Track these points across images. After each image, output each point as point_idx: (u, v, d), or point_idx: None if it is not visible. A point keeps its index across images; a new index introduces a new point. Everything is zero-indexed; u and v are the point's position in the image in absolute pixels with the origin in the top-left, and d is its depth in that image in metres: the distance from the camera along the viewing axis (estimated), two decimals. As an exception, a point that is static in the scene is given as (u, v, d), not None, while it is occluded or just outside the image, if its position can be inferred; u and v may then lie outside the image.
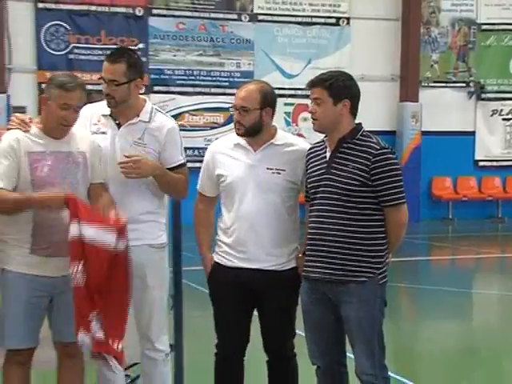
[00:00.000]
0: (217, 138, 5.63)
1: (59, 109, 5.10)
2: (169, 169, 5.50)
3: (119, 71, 5.36)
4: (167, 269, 5.68)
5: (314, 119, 5.11)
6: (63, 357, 5.43)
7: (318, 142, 5.28)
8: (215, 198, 5.59)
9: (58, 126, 5.16)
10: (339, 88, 5.06)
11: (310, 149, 5.31)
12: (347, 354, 5.29)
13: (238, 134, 5.39)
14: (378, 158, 4.96)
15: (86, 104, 5.34)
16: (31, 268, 5.16)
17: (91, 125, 5.52)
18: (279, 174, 5.34)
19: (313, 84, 5.11)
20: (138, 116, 5.49)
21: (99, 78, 5.47)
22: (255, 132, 5.35)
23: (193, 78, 20.64)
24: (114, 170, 5.38)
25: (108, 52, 5.57)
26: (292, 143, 5.49)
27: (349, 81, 5.15)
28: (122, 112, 5.48)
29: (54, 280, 5.20)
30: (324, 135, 5.22)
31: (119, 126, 5.48)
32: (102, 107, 5.58)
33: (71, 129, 5.26)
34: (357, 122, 5.18)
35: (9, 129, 5.20)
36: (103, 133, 5.48)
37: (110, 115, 5.50)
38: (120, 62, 5.38)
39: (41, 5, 19.31)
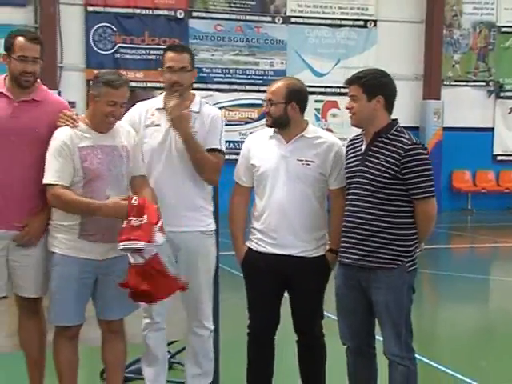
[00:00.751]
0: (251, 133, 5.71)
1: (106, 105, 5.13)
2: (208, 150, 5.53)
3: (187, 59, 5.49)
4: (215, 254, 5.72)
5: (350, 115, 5.12)
6: (107, 333, 5.48)
7: (356, 136, 5.30)
8: (249, 189, 5.61)
9: (104, 122, 5.19)
10: (373, 85, 5.07)
11: (350, 141, 5.33)
12: (376, 336, 5.29)
13: (266, 125, 5.47)
14: (409, 153, 4.95)
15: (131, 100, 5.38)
16: (79, 252, 5.20)
17: (146, 119, 5.57)
18: (309, 165, 5.36)
19: (349, 82, 5.12)
20: (189, 107, 5.54)
21: (167, 68, 5.49)
22: (282, 124, 5.40)
23: (229, 76, 20.66)
24: (168, 158, 5.47)
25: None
26: (322, 137, 5.51)
27: (383, 78, 5.16)
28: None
29: (99, 263, 5.24)
30: (361, 129, 5.22)
31: None
32: (153, 102, 5.67)
33: (115, 124, 5.32)
34: (393, 118, 5.18)
35: (58, 125, 5.25)
36: (157, 125, 5.53)
37: (164, 108, 5.55)
38: (185, 52, 5.54)
39: (90, 8, 19.41)
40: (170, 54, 5.51)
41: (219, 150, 5.57)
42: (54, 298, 5.30)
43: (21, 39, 5.23)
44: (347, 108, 5.15)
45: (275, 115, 5.38)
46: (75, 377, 5.48)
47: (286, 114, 5.37)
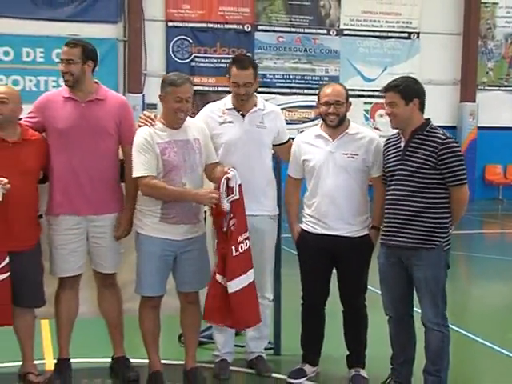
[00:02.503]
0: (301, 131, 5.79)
1: (174, 102, 5.19)
2: (282, 143, 5.78)
3: (251, 74, 5.53)
4: (276, 235, 5.80)
5: (390, 119, 5.11)
6: (185, 303, 5.55)
7: (393, 135, 5.30)
8: (301, 180, 5.64)
9: (175, 117, 5.24)
10: (409, 91, 5.06)
11: (387, 140, 5.33)
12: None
13: (331, 126, 5.41)
14: (445, 146, 4.96)
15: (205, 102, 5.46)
16: (160, 232, 5.26)
17: (218, 117, 5.65)
18: (353, 158, 5.38)
19: (386, 89, 5.11)
20: (256, 106, 5.61)
21: (232, 83, 5.56)
22: (342, 122, 5.40)
23: (289, 81, 20.63)
24: (241, 150, 5.55)
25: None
26: (362, 132, 5.54)
27: (415, 84, 5.15)
28: (244, 106, 5.58)
29: (178, 242, 5.30)
30: (399, 129, 5.21)
31: (242, 115, 5.58)
32: (222, 103, 5.73)
33: (186, 120, 5.36)
34: (426, 117, 5.16)
35: (139, 125, 5.31)
36: (230, 122, 5.61)
37: (234, 108, 5.61)
38: (250, 68, 5.55)
39: (170, 23, 19.53)
40: (235, 71, 5.54)
41: (288, 140, 5.81)
42: (139, 272, 5.38)
43: (64, 47, 5.35)
44: (387, 114, 5.13)
45: (342, 114, 5.39)
46: (157, 339, 5.56)
47: (346, 112, 5.42)
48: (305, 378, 5.60)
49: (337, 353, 5.71)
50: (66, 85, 5.35)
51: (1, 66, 18.38)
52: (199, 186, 5.31)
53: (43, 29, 18.35)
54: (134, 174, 5.17)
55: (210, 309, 5.28)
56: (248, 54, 19.51)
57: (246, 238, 5.19)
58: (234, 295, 5.13)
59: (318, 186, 5.43)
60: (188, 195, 5.16)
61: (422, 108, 5.13)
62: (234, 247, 5.12)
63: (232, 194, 5.14)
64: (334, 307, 5.64)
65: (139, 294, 5.45)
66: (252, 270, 5.22)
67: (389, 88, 5.11)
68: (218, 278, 5.19)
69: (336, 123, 5.38)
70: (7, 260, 4.97)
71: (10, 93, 5.21)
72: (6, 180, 4.92)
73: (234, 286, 5.12)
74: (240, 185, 5.16)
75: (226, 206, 5.11)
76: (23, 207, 5.16)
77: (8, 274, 4.99)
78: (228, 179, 5.13)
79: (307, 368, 5.66)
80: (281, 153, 5.88)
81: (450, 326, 5.22)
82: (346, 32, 20.93)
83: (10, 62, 18.51)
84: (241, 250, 5.16)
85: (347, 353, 5.66)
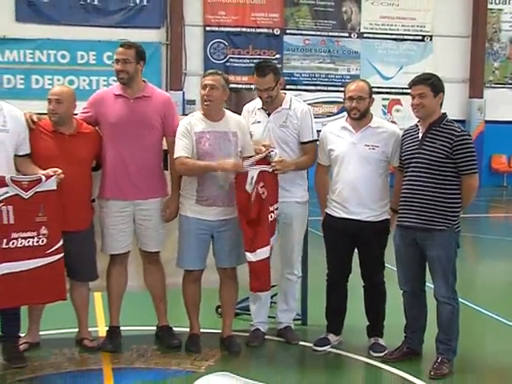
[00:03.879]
0: (324, 125, 5.71)
1: (202, 89, 5.27)
2: (302, 143, 5.57)
3: (271, 79, 5.45)
4: (306, 219, 5.76)
5: (418, 109, 5.07)
6: (223, 278, 5.58)
7: (411, 127, 5.28)
8: (328, 167, 5.58)
9: (203, 105, 5.29)
10: (437, 85, 5.07)
11: (405, 131, 5.30)
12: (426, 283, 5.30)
13: (353, 118, 5.38)
14: (460, 138, 4.94)
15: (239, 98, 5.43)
16: (197, 213, 5.31)
17: (250, 117, 5.63)
18: (374, 149, 5.33)
19: (418, 82, 5.08)
20: (281, 105, 5.56)
21: (256, 88, 5.53)
22: (364, 115, 5.36)
23: (314, 79, 20.58)
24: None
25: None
26: (384, 126, 5.49)
27: (440, 80, 5.13)
28: (270, 104, 5.55)
29: (213, 223, 5.33)
30: (417, 121, 5.19)
31: (269, 114, 5.55)
32: (256, 103, 5.69)
33: (228, 114, 5.40)
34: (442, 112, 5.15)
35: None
36: (258, 122, 5.57)
37: (262, 108, 5.58)
38: (268, 74, 5.46)
39: (208, 28, 19.58)
40: (256, 78, 5.50)
41: (312, 141, 5.59)
42: (179, 248, 5.44)
43: (119, 48, 5.35)
44: (416, 104, 5.07)
45: (363, 108, 5.35)
46: (197, 308, 5.61)
47: (369, 107, 5.37)
48: (329, 346, 5.59)
49: (358, 323, 5.70)
50: (121, 82, 5.36)
51: (58, 67, 18.58)
52: (232, 173, 5.28)
53: (95, 34, 18.48)
54: (174, 156, 5.26)
55: None
56: (277, 56, 19.55)
57: (276, 209, 5.30)
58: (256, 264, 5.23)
59: (341, 174, 5.40)
60: (213, 166, 5.17)
61: (441, 103, 5.12)
62: (269, 215, 5.25)
63: (267, 165, 5.24)
64: (355, 283, 5.62)
65: (180, 268, 5.50)
66: (269, 247, 5.28)
67: (420, 81, 5.07)
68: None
69: (358, 116, 5.34)
70: (62, 241, 5.00)
71: (64, 93, 5.22)
72: (60, 170, 4.95)
73: (262, 254, 5.23)
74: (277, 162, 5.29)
75: (253, 172, 5.20)
76: (78, 192, 5.20)
77: (62, 254, 5.01)
78: (271, 151, 5.26)
79: (331, 337, 5.65)
80: (303, 152, 5.66)
81: (459, 299, 5.20)
82: (365, 35, 20.85)
83: (67, 64, 18.68)
84: (271, 219, 5.28)
85: (367, 323, 5.65)
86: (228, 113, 5.45)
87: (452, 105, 19.71)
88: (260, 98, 5.56)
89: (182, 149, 5.22)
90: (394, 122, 18.05)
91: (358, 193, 5.33)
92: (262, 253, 5.25)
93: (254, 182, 5.21)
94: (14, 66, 18.30)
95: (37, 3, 18.33)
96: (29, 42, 18.34)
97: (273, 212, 5.31)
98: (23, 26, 18.28)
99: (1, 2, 18.00)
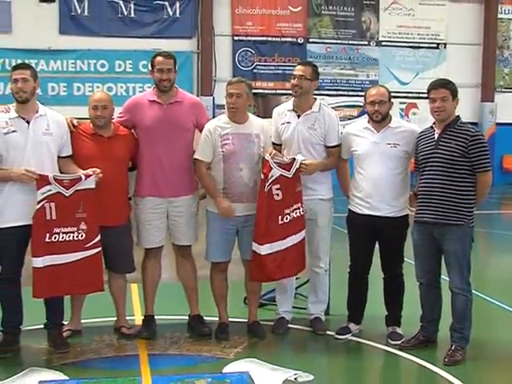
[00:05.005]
0: (343, 127, 5.68)
1: (227, 97, 5.26)
2: (328, 147, 5.53)
3: (309, 70, 5.52)
4: (331, 215, 5.71)
5: (440, 112, 5.02)
6: (248, 269, 5.55)
7: (426, 129, 5.25)
8: (347, 160, 5.58)
9: (230, 111, 5.29)
10: (455, 89, 5.05)
11: (421, 133, 5.27)
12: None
13: (375, 121, 5.34)
14: (474, 138, 4.92)
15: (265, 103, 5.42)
16: (223, 209, 5.32)
17: (280, 118, 5.60)
18: (395, 147, 5.29)
19: (440, 86, 5.05)
20: (311, 108, 5.52)
21: (294, 78, 5.50)
22: (385, 118, 5.32)
23: (336, 84, 20.54)
24: (294, 148, 5.48)
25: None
26: (403, 125, 5.47)
27: (455, 85, 5.10)
28: (301, 106, 5.53)
29: (238, 218, 5.33)
30: (433, 123, 5.15)
31: (299, 116, 5.52)
32: (286, 105, 5.68)
33: (252, 118, 5.41)
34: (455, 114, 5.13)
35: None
36: (288, 123, 5.55)
37: (293, 109, 5.56)
38: (309, 65, 5.61)
39: (236, 38, 19.62)
40: (296, 67, 5.57)
41: (338, 145, 5.55)
42: (207, 242, 5.46)
43: (159, 57, 5.32)
44: (438, 107, 5.01)
45: (384, 112, 5.32)
46: (225, 299, 5.62)
47: (389, 109, 5.34)
48: (350, 334, 5.56)
49: (377, 313, 5.65)
50: (164, 90, 5.34)
51: (98, 75, 18.74)
52: (255, 171, 5.32)
53: (132, 45, 18.60)
54: (194, 156, 5.34)
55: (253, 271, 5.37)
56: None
57: (292, 211, 5.27)
58: (267, 257, 5.23)
59: (364, 172, 5.36)
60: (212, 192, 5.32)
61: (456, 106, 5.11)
62: (280, 216, 5.25)
63: (287, 170, 5.21)
64: (375, 275, 5.59)
65: (208, 260, 5.53)
66: (289, 238, 5.30)
67: (442, 85, 5.05)
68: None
69: (380, 119, 5.32)
70: (99, 236, 5.03)
71: (108, 99, 5.26)
72: (98, 170, 4.99)
73: (268, 249, 5.24)
74: (298, 169, 5.27)
75: (275, 172, 5.20)
76: (116, 190, 5.22)
77: (100, 248, 5.04)
78: (294, 159, 5.26)
79: (352, 326, 5.62)
80: (327, 155, 5.60)
81: (473, 291, 5.16)
82: (384, 43, 20.79)
83: (106, 73, 18.83)
84: (285, 220, 5.27)
85: (386, 313, 5.61)
86: (252, 116, 5.48)
87: (465, 108, 19.55)
88: (291, 86, 5.54)
89: (200, 152, 5.33)
90: (410, 125, 17.97)
91: (379, 189, 5.29)
92: (264, 249, 5.24)
93: (271, 181, 5.19)
94: (58, 74, 18.47)
95: (78, 17, 18.52)
96: (71, 52, 18.53)
97: (288, 215, 5.28)
98: (66, 38, 18.48)
99: (46, 17, 18.21)
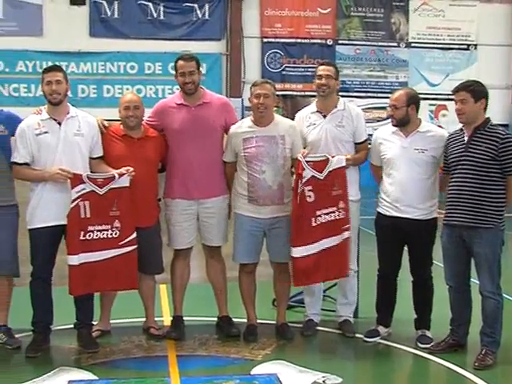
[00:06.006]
0: (375, 129, 5.66)
1: (254, 98, 5.26)
2: (357, 143, 5.54)
3: (332, 70, 5.52)
4: (358, 216, 5.71)
5: (459, 114, 5.00)
6: (276, 271, 5.58)
7: (456, 131, 5.20)
8: (381, 166, 5.52)
9: (257, 112, 5.30)
10: (478, 91, 4.98)
11: (450, 135, 5.22)
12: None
13: (392, 125, 5.36)
14: (505, 141, 4.87)
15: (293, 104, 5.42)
16: (249, 212, 5.35)
17: (305, 121, 5.59)
18: (423, 152, 5.26)
19: (459, 89, 5.01)
20: (336, 107, 5.52)
21: (320, 78, 5.50)
22: (404, 123, 5.29)
23: (365, 86, 20.43)
24: (322, 148, 5.45)
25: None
26: (432, 130, 5.42)
27: (482, 86, 5.05)
28: (326, 106, 5.53)
29: (264, 220, 5.35)
30: (462, 125, 5.10)
31: (324, 117, 5.51)
32: (309, 108, 5.68)
33: (278, 119, 5.41)
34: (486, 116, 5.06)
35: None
36: (314, 124, 5.54)
37: (317, 111, 5.55)
38: (331, 65, 5.61)
39: (265, 39, 19.56)
40: (320, 67, 5.56)
41: (366, 140, 5.57)
42: (235, 243, 5.48)
43: (180, 61, 5.34)
44: (458, 109, 5.00)
45: (399, 117, 5.29)
46: (253, 299, 5.64)
47: (408, 114, 5.28)
48: (378, 337, 5.54)
49: (406, 316, 5.62)
50: (189, 93, 5.36)
51: (128, 77, 18.83)
52: (279, 174, 5.31)
53: (161, 47, 18.67)
54: (223, 158, 5.43)
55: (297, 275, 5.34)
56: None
57: (325, 214, 5.24)
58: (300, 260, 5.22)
59: (392, 176, 5.34)
60: None
61: (485, 108, 5.03)
62: (313, 218, 5.21)
63: (319, 172, 5.18)
64: (404, 277, 5.56)
65: (235, 262, 5.55)
66: (323, 241, 5.27)
67: (461, 88, 5.00)
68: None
69: (394, 123, 5.34)
70: (135, 234, 5.08)
71: (139, 100, 5.33)
72: (131, 169, 5.04)
73: (303, 251, 5.22)
74: (331, 171, 5.24)
75: (307, 173, 5.18)
76: (146, 190, 5.26)
77: (135, 246, 5.10)
78: (327, 159, 5.23)
79: (381, 329, 5.60)
80: (356, 150, 5.65)
81: (504, 294, 5.13)
82: (413, 44, 20.63)
83: (135, 75, 18.93)
84: (318, 222, 5.23)
85: (415, 316, 5.58)
86: (278, 118, 5.48)
87: (495, 110, 19.27)
88: (317, 89, 5.53)
89: (225, 154, 5.41)
90: (440, 127, 17.79)
91: (407, 193, 5.27)
92: (296, 251, 5.23)
93: (303, 182, 5.19)
94: (88, 76, 18.61)
95: (109, 20, 18.65)
96: (101, 55, 18.66)
97: (320, 217, 5.25)
98: (96, 40, 18.62)
99: (77, 20, 18.37)
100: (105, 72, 18.82)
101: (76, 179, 4.94)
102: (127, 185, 5.03)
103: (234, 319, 5.73)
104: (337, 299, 5.92)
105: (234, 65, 19.31)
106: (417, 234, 5.30)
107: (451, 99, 5.35)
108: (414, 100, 5.34)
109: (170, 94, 17.80)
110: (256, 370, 4.83)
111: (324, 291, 6.13)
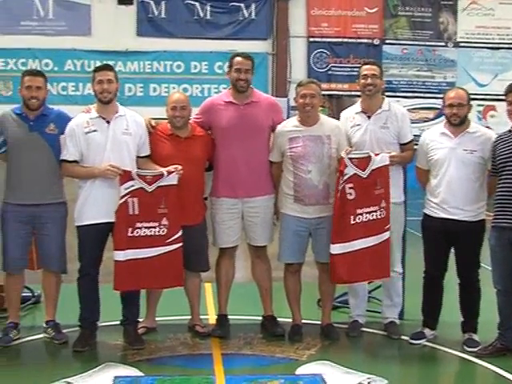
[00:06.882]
0: (422, 130, 5.61)
1: (300, 98, 5.26)
2: (402, 144, 5.49)
3: (377, 69, 5.52)
4: (403, 218, 5.68)
5: (509, 115, 4.95)
6: (321, 272, 5.57)
7: (503, 133, 5.14)
8: (428, 170, 5.45)
9: (303, 112, 5.31)
10: None
11: (498, 136, 5.17)
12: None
13: (453, 124, 5.27)
14: None
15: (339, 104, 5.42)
16: (295, 212, 5.35)
17: (349, 122, 5.57)
18: (472, 153, 5.20)
19: None
20: (381, 107, 5.48)
21: (365, 78, 5.47)
22: (463, 122, 5.23)
23: (412, 86, 20.25)
24: (369, 148, 5.40)
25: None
26: (481, 131, 5.37)
27: None
28: (371, 106, 5.49)
29: (309, 220, 5.34)
30: (511, 126, 5.04)
31: (369, 117, 5.48)
32: (353, 109, 5.64)
33: (323, 119, 5.40)
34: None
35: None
36: (358, 125, 5.51)
37: (361, 111, 5.52)
38: (375, 64, 5.61)
39: (311, 39, 19.51)
40: (364, 67, 5.53)
41: (411, 140, 5.52)
42: (280, 243, 5.49)
43: (238, 58, 5.36)
44: (510, 110, 4.96)
45: (463, 115, 5.24)
46: (298, 298, 5.65)
47: (467, 113, 5.26)
48: (424, 340, 5.49)
49: (453, 319, 5.57)
50: (241, 90, 5.40)
51: (174, 76, 18.99)
52: (325, 173, 5.31)
53: (207, 46, 18.78)
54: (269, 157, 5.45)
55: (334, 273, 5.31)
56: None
57: (366, 213, 5.19)
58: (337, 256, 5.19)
59: (440, 177, 5.29)
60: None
61: None
62: (352, 216, 5.18)
63: (362, 170, 5.16)
64: (450, 280, 5.50)
65: (280, 262, 5.55)
66: (361, 240, 5.22)
67: None
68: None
69: (458, 122, 5.24)
70: (181, 232, 5.12)
71: (186, 100, 5.37)
72: (180, 167, 5.09)
73: (340, 249, 5.19)
74: (374, 170, 5.19)
75: (349, 170, 5.15)
76: (193, 189, 5.31)
77: (181, 244, 5.14)
78: (370, 157, 5.19)
79: (427, 331, 5.55)
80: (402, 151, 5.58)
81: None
82: (461, 44, 20.38)
83: (182, 74, 19.07)
84: (357, 221, 5.19)
85: (462, 319, 5.52)
86: (323, 118, 5.47)
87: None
88: (362, 88, 5.50)
89: (272, 154, 5.44)
90: (488, 127, 17.58)
91: (455, 195, 5.22)
92: (334, 248, 5.21)
93: (344, 179, 5.16)
94: (135, 75, 18.80)
95: (156, 19, 18.83)
96: (148, 54, 18.84)
97: (361, 215, 5.21)
98: (143, 39, 18.80)
99: (124, 19, 18.58)
100: (151, 71, 19.00)
101: (125, 176, 5.02)
102: (175, 183, 5.08)
103: (279, 319, 5.73)
104: (382, 301, 5.89)
105: (280, 64, 19.32)
106: (464, 235, 5.24)
107: (500, 100, 5.30)
108: (470, 99, 5.32)
109: (215, 93, 17.87)
110: (301, 370, 4.83)
111: (369, 292, 6.10)
